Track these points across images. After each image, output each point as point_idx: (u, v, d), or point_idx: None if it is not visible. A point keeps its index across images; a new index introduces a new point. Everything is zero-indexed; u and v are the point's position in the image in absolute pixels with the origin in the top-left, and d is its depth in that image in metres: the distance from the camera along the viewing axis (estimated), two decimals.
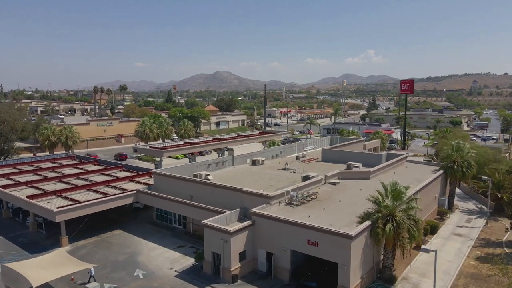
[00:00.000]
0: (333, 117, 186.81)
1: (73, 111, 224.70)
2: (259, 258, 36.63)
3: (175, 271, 37.11)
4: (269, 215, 35.72)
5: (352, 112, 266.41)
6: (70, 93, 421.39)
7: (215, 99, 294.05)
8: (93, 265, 34.71)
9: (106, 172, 61.34)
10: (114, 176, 59.01)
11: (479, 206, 58.95)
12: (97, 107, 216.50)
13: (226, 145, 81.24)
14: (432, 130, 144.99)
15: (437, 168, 57.28)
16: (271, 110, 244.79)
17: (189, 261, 38.91)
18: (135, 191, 49.11)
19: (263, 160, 62.95)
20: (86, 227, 45.57)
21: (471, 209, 57.51)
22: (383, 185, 34.62)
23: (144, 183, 53.60)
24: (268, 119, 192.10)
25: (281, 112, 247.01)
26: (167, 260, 39.44)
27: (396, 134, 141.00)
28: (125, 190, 50.44)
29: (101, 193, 49.93)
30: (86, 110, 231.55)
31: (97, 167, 66.17)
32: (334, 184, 47.44)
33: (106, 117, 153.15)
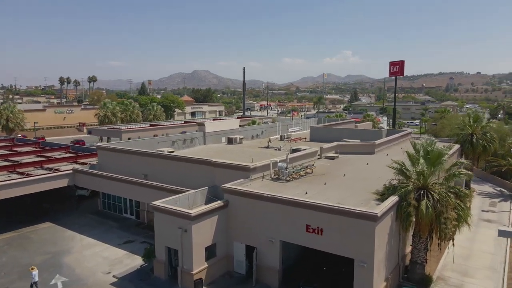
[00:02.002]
0: (313, 110, 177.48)
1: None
2: (235, 255, 25.73)
3: (114, 276, 25.63)
4: (249, 191, 24.83)
5: (332, 106, 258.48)
6: (37, 87, 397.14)
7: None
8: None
9: (45, 154, 48.84)
10: (53, 157, 46.62)
11: (498, 188, 49.85)
12: (64, 100, 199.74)
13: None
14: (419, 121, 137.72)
15: (451, 143, 47.72)
16: (251, 103, 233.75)
17: (137, 261, 27.50)
18: (71, 171, 37.15)
19: (242, 139, 51.84)
20: (4, 219, 33.38)
21: (490, 192, 48.27)
22: (414, 145, 24.22)
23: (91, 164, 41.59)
24: (247, 113, 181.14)
25: (260, 105, 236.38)
26: (105, 261, 27.88)
27: (383, 123, 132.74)
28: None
29: (28, 175, 37.66)
30: (53, 103, 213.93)
31: (35, 149, 53.43)
32: (332, 158, 36.92)
33: (66, 104, 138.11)
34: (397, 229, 23.31)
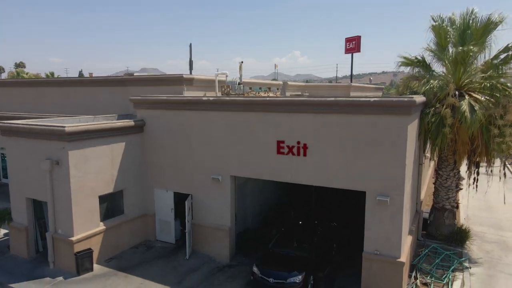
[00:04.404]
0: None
1: None
2: (157, 211, 15.58)
3: None
4: (179, 98, 14.77)
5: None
6: None
7: None
8: None
9: None
10: None
11: None
12: None
13: None
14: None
15: None
16: None
17: None
18: None
19: None
20: None
21: None
22: (439, 20, 15.29)
23: None
24: None
25: None
26: None
27: None
28: None
29: None
30: None
31: None
32: (302, 95, 27.79)
33: None
34: (418, 153, 14.49)
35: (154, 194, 15.37)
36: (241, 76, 18.91)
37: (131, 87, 18.33)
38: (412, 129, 11.80)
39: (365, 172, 11.32)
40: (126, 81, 18.93)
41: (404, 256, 11.36)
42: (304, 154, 12.13)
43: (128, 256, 14.18)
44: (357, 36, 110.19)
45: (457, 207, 15.88)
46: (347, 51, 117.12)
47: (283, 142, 12.44)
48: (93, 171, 13.29)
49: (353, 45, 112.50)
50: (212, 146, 13.84)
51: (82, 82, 21.12)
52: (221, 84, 18.08)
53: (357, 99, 11.12)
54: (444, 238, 15.39)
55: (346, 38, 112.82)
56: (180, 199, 15.12)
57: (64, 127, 12.11)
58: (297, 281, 11.07)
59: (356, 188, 11.63)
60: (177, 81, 17.33)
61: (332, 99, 11.47)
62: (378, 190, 11.17)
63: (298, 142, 12.18)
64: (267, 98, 12.43)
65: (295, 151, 12.25)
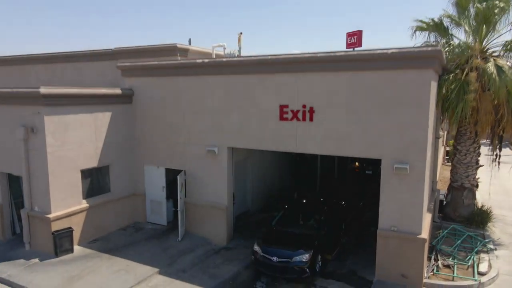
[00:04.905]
0: None
1: None
2: (147, 190, 14.16)
3: None
4: (173, 62, 13.33)
5: None
6: None
7: None
8: None
9: None
10: None
11: None
12: None
13: None
14: None
15: None
16: None
17: None
18: None
19: None
20: None
21: None
22: None
23: None
24: None
25: None
26: None
27: None
28: None
29: None
30: None
31: None
32: None
33: None
34: (435, 123, 13.11)
35: (144, 171, 13.97)
36: (240, 48, 17.43)
37: (122, 61, 16.91)
38: (434, 88, 10.39)
39: (380, 137, 9.90)
40: (116, 53, 17.54)
41: (426, 233, 9.96)
42: (311, 119, 10.71)
43: (114, 238, 12.77)
44: (359, 30, 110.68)
45: (477, 186, 14.45)
46: (348, 45, 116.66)
47: (286, 106, 11.03)
48: (74, 142, 11.87)
49: (354, 39, 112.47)
50: (208, 115, 12.42)
51: (69, 57, 19.66)
52: (219, 57, 16.64)
53: (372, 51, 9.69)
54: (463, 219, 13.99)
55: (347, 33, 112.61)
56: (173, 179, 13.72)
57: (39, 88, 10.70)
58: (304, 260, 9.66)
59: (370, 155, 10.22)
60: (171, 51, 15.95)
61: (343, 53, 10.07)
62: (396, 156, 9.76)
63: (304, 106, 10.77)
64: (269, 57, 11.00)
65: (300, 116, 10.83)
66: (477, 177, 14.33)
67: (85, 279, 10.02)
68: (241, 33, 18.03)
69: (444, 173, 22.38)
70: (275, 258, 9.87)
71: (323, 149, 10.84)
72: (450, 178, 14.76)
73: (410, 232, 9.81)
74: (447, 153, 25.04)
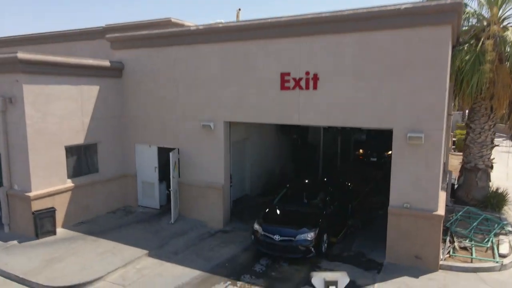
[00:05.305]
0: None
1: None
2: (138, 171, 13.22)
3: None
4: (168, 30, 12.35)
5: None
6: None
7: None
8: None
9: None
10: None
11: None
12: None
13: None
14: None
15: None
16: None
17: None
18: None
19: None
20: None
21: None
22: None
23: None
24: None
25: None
26: None
27: None
28: None
29: None
30: None
31: None
32: None
33: None
34: (449, 97, 12.17)
35: (135, 151, 13.04)
36: None
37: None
38: (450, 50, 9.46)
39: (392, 104, 8.97)
40: (107, 30, 16.57)
41: (442, 210, 9.04)
42: (315, 87, 9.78)
43: (102, 221, 11.85)
44: None
45: (492, 167, 13.51)
46: None
47: (288, 74, 10.09)
48: (57, 116, 10.94)
49: None
50: (203, 87, 11.49)
51: (59, 36, 18.72)
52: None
53: (383, 7, 8.74)
54: (476, 203, 13.03)
55: None
56: (167, 161, 12.74)
57: (17, 53, 9.76)
58: (308, 239, 8.73)
59: (381, 125, 9.29)
60: (165, 26, 14.92)
61: (350, 11, 9.12)
62: (409, 125, 8.82)
63: (307, 73, 9.83)
64: (269, 20, 10.06)
65: (303, 84, 9.90)
66: (491, 157, 13.39)
67: (66, 261, 9.09)
68: (239, 9, 17.24)
69: (451, 161, 21.47)
70: (277, 237, 8.94)
71: (329, 120, 9.91)
72: (463, 159, 13.82)
73: (425, 209, 8.88)
74: (454, 143, 24.12)
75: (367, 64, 9.10)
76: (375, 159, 20.29)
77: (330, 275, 4.83)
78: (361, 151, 21.26)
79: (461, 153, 20.60)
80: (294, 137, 17.71)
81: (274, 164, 16.68)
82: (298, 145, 18.32)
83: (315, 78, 9.75)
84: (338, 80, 9.50)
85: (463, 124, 31.75)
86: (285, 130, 16.58)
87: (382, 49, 8.92)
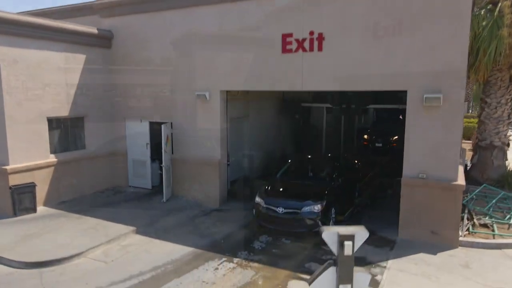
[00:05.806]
0: None
1: None
2: (128, 150, 12.29)
3: None
4: None
5: None
6: None
7: None
8: None
9: None
10: None
11: None
12: None
13: None
14: None
15: None
16: None
17: None
18: None
19: None
20: None
21: None
22: None
23: None
24: None
25: None
26: None
27: None
28: None
29: None
30: None
31: None
32: None
33: None
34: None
35: (125, 126, 12.13)
36: None
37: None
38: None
39: (406, 62, 8.05)
40: (96, 7, 15.66)
41: (462, 180, 8.13)
42: (319, 48, 8.86)
43: (88, 201, 10.92)
44: None
45: (509, 144, 12.61)
46: None
47: (290, 35, 9.18)
48: (38, 83, 10.03)
49: None
50: (198, 54, 10.57)
51: (46, 14, 17.73)
52: None
53: None
54: (492, 182, 12.09)
55: None
56: (160, 140, 11.84)
57: None
58: (315, 211, 7.83)
59: (393, 86, 8.39)
60: None
61: None
62: (426, 85, 7.91)
63: (311, 33, 8.92)
64: None
65: (307, 45, 8.98)
66: (508, 134, 12.49)
67: (44, 237, 8.18)
68: None
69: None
70: (281, 209, 8.03)
71: (335, 84, 8.98)
72: (477, 137, 12.91)
73: (443, 178, 7.97)
74: None
75: (379, 18, 8.19)
76: (380, 145, 19.36)
77: (345, 229, 3.90)
78: (365, 136, 20.32)
79: (468, 141, 19.69)
80: (296, 117, 16.77)
81: (275, 146, 15.75)
82: (300, 127, 17.39)
83: (320, 38, 8.84)
84: (345, 38, 8.59)
85: (469, 113, 30.86)
86: (286, 110, 15.66)
87: (396, 0, 8.01)
